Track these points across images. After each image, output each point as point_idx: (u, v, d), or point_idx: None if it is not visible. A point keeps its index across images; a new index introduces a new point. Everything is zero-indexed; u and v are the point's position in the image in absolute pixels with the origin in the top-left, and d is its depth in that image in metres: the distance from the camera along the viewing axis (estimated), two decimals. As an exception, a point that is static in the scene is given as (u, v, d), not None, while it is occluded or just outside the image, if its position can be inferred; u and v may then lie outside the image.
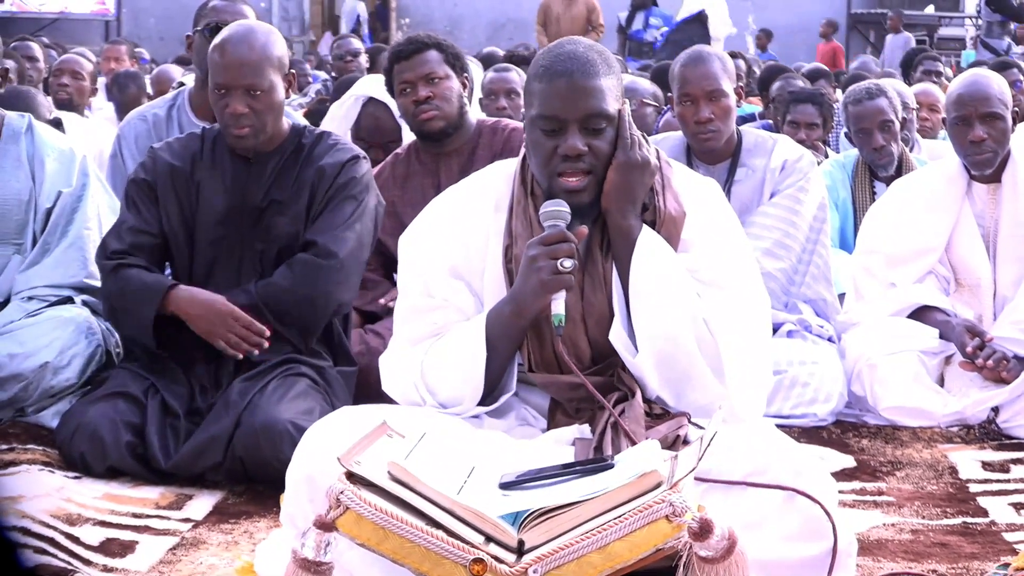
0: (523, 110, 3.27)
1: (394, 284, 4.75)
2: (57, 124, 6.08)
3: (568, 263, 2.91)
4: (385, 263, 4.82)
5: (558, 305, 2.93)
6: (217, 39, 4.19)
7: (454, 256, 3.13)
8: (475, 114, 5.09)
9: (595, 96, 2.98)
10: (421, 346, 3.11)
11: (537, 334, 3.06)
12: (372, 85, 5.52)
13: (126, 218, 4.19)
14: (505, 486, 2.65)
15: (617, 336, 3.02)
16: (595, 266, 3.07)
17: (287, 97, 4.25)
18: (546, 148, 2.99)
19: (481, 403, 3.07)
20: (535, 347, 3.07)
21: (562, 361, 3.01)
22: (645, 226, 3.05)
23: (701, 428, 2.92)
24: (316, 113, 7.32)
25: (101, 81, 9.56)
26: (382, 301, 4.77)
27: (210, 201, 4.18)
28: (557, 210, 2.96)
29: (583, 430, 3.01)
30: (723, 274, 3.08)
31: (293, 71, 4.30)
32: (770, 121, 7.50)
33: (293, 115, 5.56)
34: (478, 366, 3.01)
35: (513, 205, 3.12)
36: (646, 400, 3.03)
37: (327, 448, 2.78)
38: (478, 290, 3.13)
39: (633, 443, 2.86)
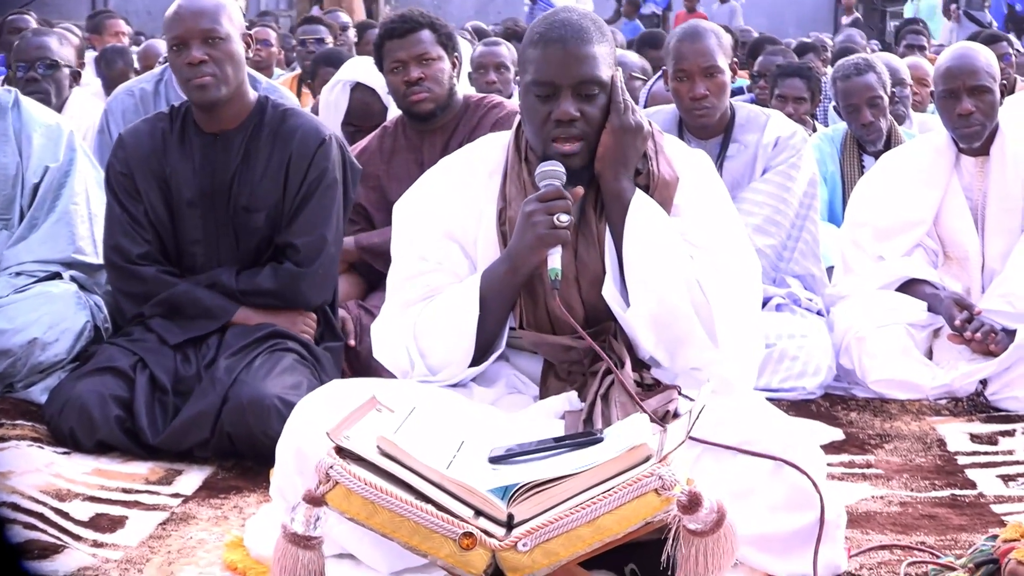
0: (516, 78, 3.29)
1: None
2: (76, 76, 6.13)
3: (564, 218, 2.95)
4: (362, 221, 4.84)
5: (554, 259, 2.96)
6: (170, 7, 4.19)
7: (448, 219, 3.16)
8: (463, 89, 5.08)
9: (588, 62, 3.01)
10: (414, 308, 3.12)
11: (531, 293, 3.09)
12: (358, 69, 5.51)
13: (120, 215, 4.17)
14: (495, 460, 2.65)
15: (609, 292, 3.04)
16: (589, 228, 3.10)
17: (251, 58, 4.24)
18: (540, 113, 3.03)
19: (472, 365, 3.08)
20: (528, 306, 3.10)
21: (556, 320, 3.03)
22: (638, 190, 3.07)
23: (691, 400, 2.93)
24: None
25: (89, 56, 9.52)
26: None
27: (182, 181, 4.16)
28: (552, 169, 3.00)
29: (572, 401, 3.01)
30: (715, 238, 3.11)
31: (251, 33, 4.30)
32: (754, 95, 7.49)
33: (280, 89, 5.55)
34: (471, 324, 3.03)
35: (507, 170, 3.15)
36: (636, 369, 3.04)
37: (317, 421, 2.79)
38: (472, 254, 3.15)
39: (633, 400, 2.87)
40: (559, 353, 3.08)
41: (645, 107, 6.01)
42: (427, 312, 3.10)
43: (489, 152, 3.21)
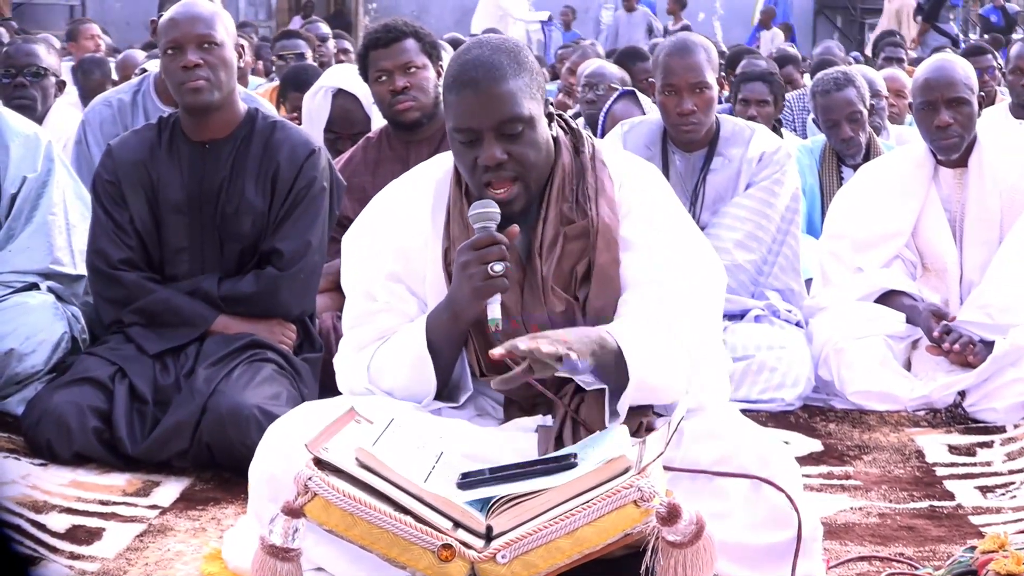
0: None
1: None
2: (61, 86, 6.13)
3: (499, 267, 2.86)
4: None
5: (494, 309, 2.88)
6: (165, 14, 4.21)
7: (392, 261, 3.09)
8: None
9: (505, 101, 2.89)
10: (366, 351, 3.09)
11: (483, 335, 3.00)
12: (339, 76, 5.49)
13: (105, 221, 4.16)
14: (463, 486, 2.63)
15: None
16: (534, 272, 3.02)
17: (239, 68, 4.24)
18: (468, 159, 2.93)
19: (439, 398, 3.06)
20: (482, 348, 3.02)
21: (508, 365, 2.97)
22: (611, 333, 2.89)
23: (664, 416, 2.93)
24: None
25: (66, 66, 9.50)
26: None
27: (169, 189, 4.16)
28: (485, 212, 2.90)
29: (545, 417, 2.99)
30: (670, 270, 3.00)
31: (243, 44, 4.31)
32: (731, 105, 7.51)
33: (258, 99, 5.55)
34: (425, 371, 2.99)
35: (450, 207, 3.08)
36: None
37: (289, 446, 2.77)
38: (419, 292, 3.09)
39: (587, 430, 2.85)
40: (522, 390, 3.00)
41: (602, 129, 5.99)
42: (379, 357, 3.06)
43: (432, 182, 3.12)
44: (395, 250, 3.09)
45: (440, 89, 4.86)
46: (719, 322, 3.14)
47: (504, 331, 2.89)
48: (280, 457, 2.81)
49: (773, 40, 17.56)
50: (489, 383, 3.01)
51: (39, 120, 5.61)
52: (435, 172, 3.15)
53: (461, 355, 3.06)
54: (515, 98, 2.90)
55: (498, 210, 2.90)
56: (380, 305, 3.09)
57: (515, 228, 2.94)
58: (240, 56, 4.23)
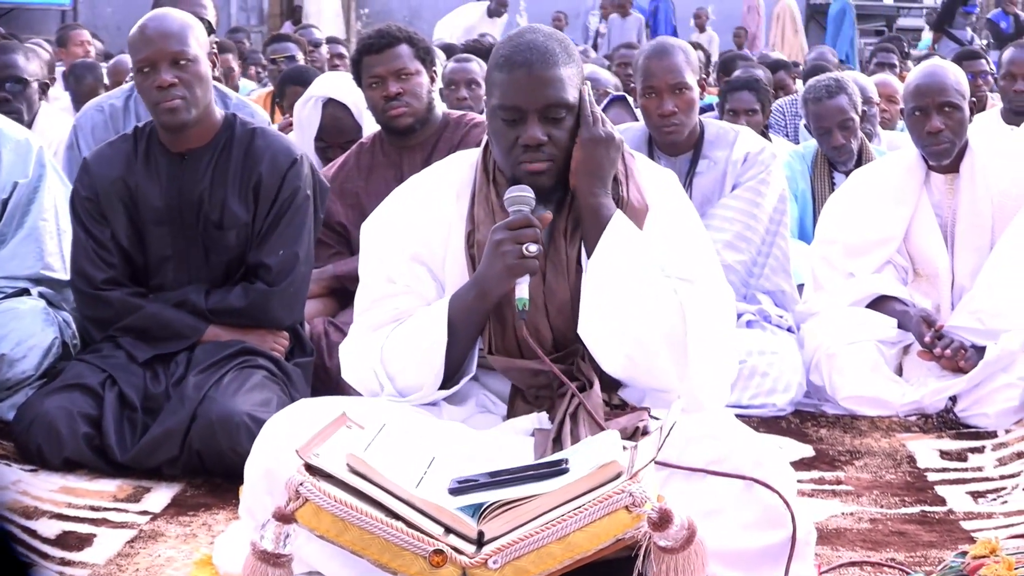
0: (484, 98, 3.26)
1: (351, 253, 4.74)
2: (44, 89, 6.12)
3: (533, 248, 2.92)
4: (339, 241, 4.83)
5: (522, 289, 2.93)
6: (134, 28, 4.15)
7: (416, 242, 3.13)
8: (440, 106, 5.08)
9: (554, 86, 2.98)
10: (382, 331, 3.10)
11: (499, 318, 3.06)
12: (330, 85, 5.49)
13: (85, 240, 4.14)
14: (455, 491, 2.62)
15: (587, 330, 2.99)
16: (558, 253, 3.07)
17: (215, 77, 4.22)
18: (508, 138, 3.00)
19: (441, 387, 3.07)
20: (497, 331, 3.08)
21: (524, 346, 3.01)
22: (618, 210, 3.03)
23: (660, 420, 2.92)
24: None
25: (58, 71, 9.49)
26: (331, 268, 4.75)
27: (149, 200, 4.13)
28: (521, 195, 2.96)
29: (542, 419, 3.00)
30: (691, 267, 3.06)
31: (215, 52, 4.29)
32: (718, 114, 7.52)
33: (251, 105, 5.54)
34: (439, 350, 3.01)
35: (475, 192, 3.12)
36: (604, 389, 3.03)
37: (286, 441, 2.78)
38: (440, 276, 3.13)
39: (600, 427, 2.86)
40: (527, 378, 3.06)
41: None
42: (395, 336, 3.08)
43: (457, 171, 3.18)
44: (419, 232, 3.13)
45: (433, 94, 4.87)
46: (732, 331, 3.15)
47: (527, 314, 2.95)
48: (277, 452, 2.82)
49: (710, 44, 17.61)
50: (496, 365, 3.07)
51: (27, 127, 5.59)
52: (458, 163, 3.21)
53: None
54: (563, 85, 3.00)
55: (533, 195, 2.96)
56: (399, 287, 3.12)
57: (548, 215, 3.02)
58: (214, 65, 4.20)
